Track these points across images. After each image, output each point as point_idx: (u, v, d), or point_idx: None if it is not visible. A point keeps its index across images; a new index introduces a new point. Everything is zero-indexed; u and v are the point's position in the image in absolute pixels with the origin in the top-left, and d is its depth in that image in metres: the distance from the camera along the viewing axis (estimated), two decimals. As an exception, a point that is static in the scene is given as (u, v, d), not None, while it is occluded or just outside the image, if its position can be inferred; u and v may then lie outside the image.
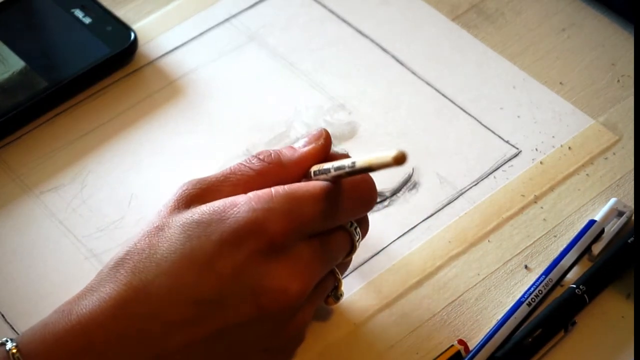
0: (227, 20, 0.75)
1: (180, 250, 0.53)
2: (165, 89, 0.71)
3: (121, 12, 0.74)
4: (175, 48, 0.73)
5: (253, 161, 0.57)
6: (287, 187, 0.55)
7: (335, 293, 0.58)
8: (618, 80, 0.71)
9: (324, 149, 0.58)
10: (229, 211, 0.54)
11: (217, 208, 0.54)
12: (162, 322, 0.52)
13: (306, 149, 0.58)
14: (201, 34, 0.74)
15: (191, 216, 0.54)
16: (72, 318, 0.52)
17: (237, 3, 0.76)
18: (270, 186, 0.55)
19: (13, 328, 0.60)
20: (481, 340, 0.58)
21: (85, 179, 0.67)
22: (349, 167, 0.53)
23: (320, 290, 0.57)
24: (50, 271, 0.62)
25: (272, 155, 0.57)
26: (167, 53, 0.73)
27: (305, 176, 0.57)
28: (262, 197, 0.54)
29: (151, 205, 0.65)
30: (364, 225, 0.58)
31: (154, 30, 0.74)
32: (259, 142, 0.68)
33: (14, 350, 0.52)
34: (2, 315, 0.61)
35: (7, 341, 0.52)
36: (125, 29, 0.72)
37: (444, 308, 0.61)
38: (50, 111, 0.70)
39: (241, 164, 0.57)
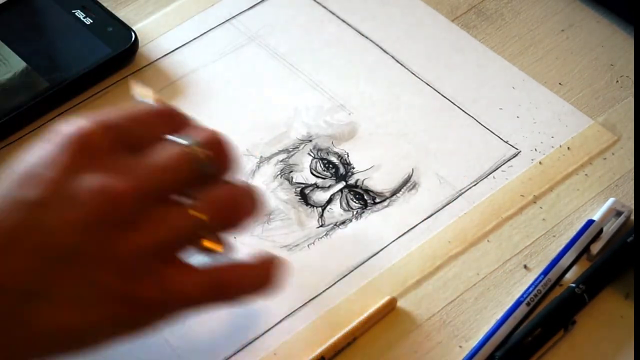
0: (227, 20, 0.75)
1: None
2: (166, 89, 0.71)
3: (122, 13, 0.75)
4: (176, 49, 0.74)
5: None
6: None
7: (199, 241, 0.54)
8: (617, 81, 0.71)
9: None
10: None
11: None
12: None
13: None
14: (202, 34, 0.74)
15: None
16: None
17: (237, 4, 0.76)
18: None
19: (14, 328, 0.60)
20: (480, 340, 0.58)
21: (86, 179, 0.67)
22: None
23: (161, 220, 0.52)
24: (52, 271, 0.62)
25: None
26: (167, 54, 0.73)
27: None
28: None
29: (152, 206, 0.65)
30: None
31: (155, 30, 0.74)
32: (259, 142, 0.68)
33: None
34: (4, 315, 0.61)
35: None
36: (126, 29, 0.72)
37: (443, 308, 0.61)
38: (51, 112, 0.70)
39: None
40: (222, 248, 0.54)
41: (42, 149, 0.52)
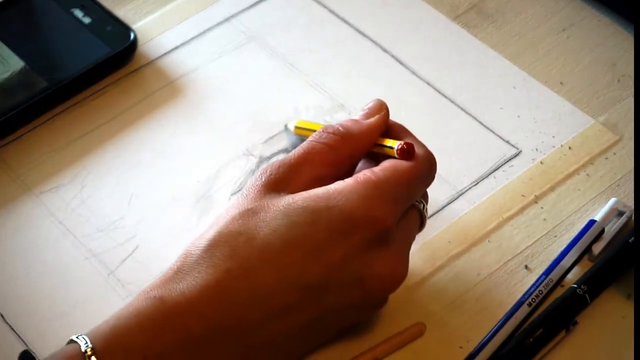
0: (227, 20, 0.75)
1: (285, 236, 0.52)
2: (165, 88, 0.71)
3: (121, 12, 0.74)
4: (175, 48, 0.73)
5: (324, 136, 0.57)
6: (382, 170, 0.55)
7: None
8: (618, 80, 0.71)
9: (386, 120, 0.59)
10: (335, 198, 0.53)
11: (321, 194, 0.53)
12: (264, 310, 0.51)
13: (372, 120, 0.58)
14: (201, 33, 0.74)
15: (293, 201, 0.53)
16: (167, 305, 0.50)
17: (237, 3, 0.76)
18: (344, 159, 0.56)
19: (13, 329, 0.60)
20: (482, 341, 0.58)
21: (85, 179, 0.67)
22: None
23: (408, 227, 0.58)
24: (50, 271, 0.62)
25: (341, 128, 0.57)
26: (166, 53, 0.73)
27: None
28: (367, 184, 0.54)
29: (151, 205, 0.65)
30: (426, 200, 0.59)
31: (154, 30, 0.74)
32: (259, 142, 0.68)
33: (89, 352, 0.49)
34: (2, 316, 0.60)
35: (80, 338, 0.50)
36: (125, 28, 0.72)
37: (444, 308, 0.61)
38: (50, 111, 0.70)
39: (313, 141, 0.57)
40: None
41: (321, 212, 0.54)
